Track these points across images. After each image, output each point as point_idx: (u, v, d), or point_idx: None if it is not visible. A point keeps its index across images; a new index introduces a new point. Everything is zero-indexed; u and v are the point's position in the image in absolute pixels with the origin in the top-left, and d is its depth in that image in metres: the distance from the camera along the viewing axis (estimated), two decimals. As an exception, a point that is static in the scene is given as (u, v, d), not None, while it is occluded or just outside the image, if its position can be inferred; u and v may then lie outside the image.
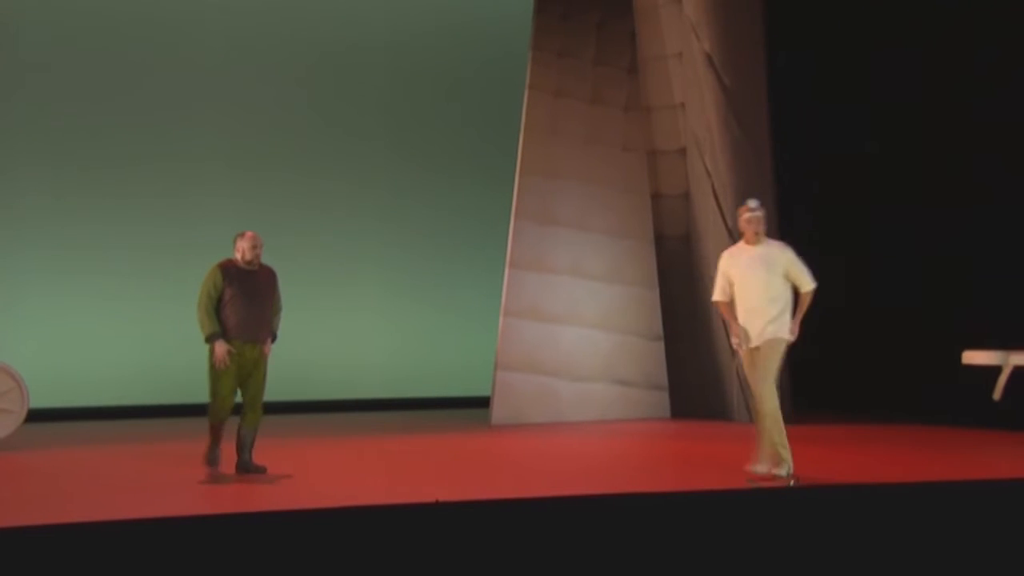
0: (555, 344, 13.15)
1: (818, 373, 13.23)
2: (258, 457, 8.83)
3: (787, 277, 8.43)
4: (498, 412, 12.82)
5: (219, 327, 8.60)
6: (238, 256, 8.82)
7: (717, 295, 8.58)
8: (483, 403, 13.28)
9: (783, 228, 13.11)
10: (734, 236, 13.02)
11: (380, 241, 14.81)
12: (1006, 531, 7.04)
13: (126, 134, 13.68)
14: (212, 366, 8.65)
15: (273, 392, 9.00)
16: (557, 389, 13.13)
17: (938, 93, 12.77)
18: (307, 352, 13.65)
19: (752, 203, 8.59)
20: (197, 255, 13.68)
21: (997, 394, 10.92)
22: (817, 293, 8.45)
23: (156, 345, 13.51)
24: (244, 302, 8.67)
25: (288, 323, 9.25)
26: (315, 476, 8.77)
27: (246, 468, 8.77)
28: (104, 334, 13.39)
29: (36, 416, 11.28)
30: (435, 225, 15.06)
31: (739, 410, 12.99)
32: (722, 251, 12.92)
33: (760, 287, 8.36)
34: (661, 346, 13.73)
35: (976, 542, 6.92)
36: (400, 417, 13.73)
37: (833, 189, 13.77)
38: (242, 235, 8.89)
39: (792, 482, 7.91)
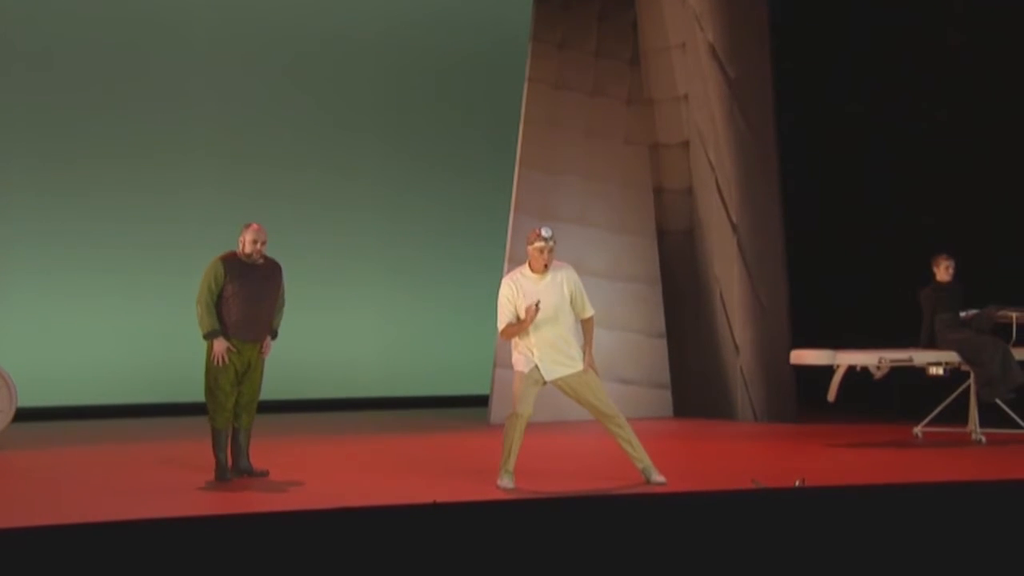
0: (555, 342, 13.11)
1: (824, 372, 13.19)
2: (252, 457, 8.73)
3: (571, 301, 8.30)
4: (497, 411, 12.78)
5: (219, 324, 8.35)
6: (239, 249, 8.52)
7: (504, 324, 8.23)
8: (482, 402, 13.25)
9: (788, 224, 13.13)
10: (738, 231, 13.00)
11: (375, 237, 14.77)
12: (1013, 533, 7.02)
13: (112, 128, 13.60)
14: (210, 366, 8.40)
15: (266, 391, 8.91)
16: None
17: (949, 88, 12.74)
18: (301, 350, 13.59)
19: (545, 232, 8.23)
20: (187, 251, 13.69)
21: (831, 396, 10.83)
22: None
23: (146, 343, 13.47)
24: (245, 299, 8.38)
25: (282, 320, 9.15)
26: (309, 477, 8.74)
27: (247, 472, 8.57)
28: (93, 332, 13.34)
29: (24, 415, 11.25)
30: (432, 220, 15.02)
31: (743, 409, 12.97)
32: (726, 246, 13.05)
33: (559, 319, 8.22)
34: (664, 343, 13.70)
35: (988, 545, 6.89)
36: (396, 416, 13.72)
37: (840, 184, 13.73)
38: (247, 226, 8.54)
39: (799, 483, 7.88)
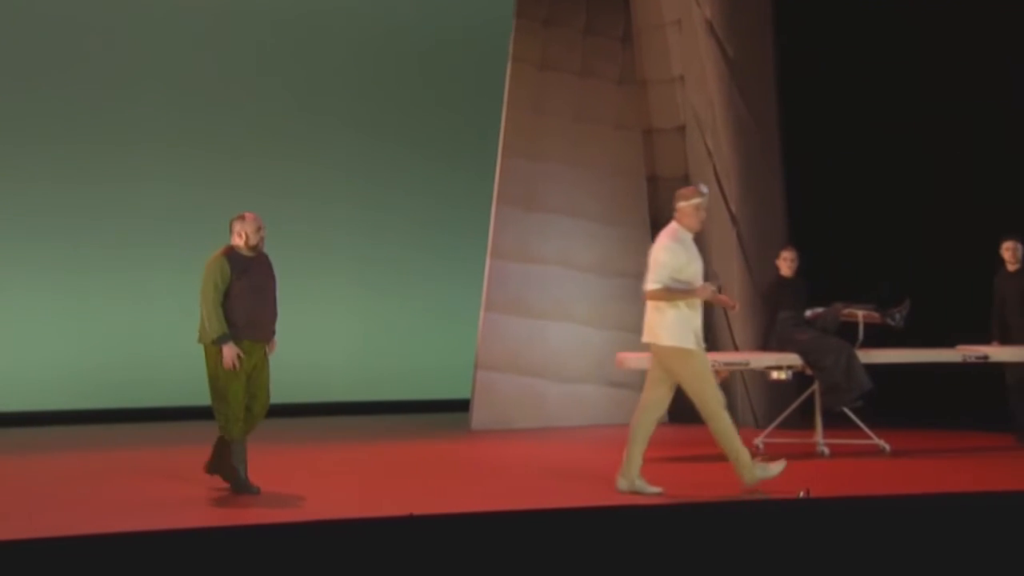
0: (541, 342, 13.12)
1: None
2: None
3: None
4: (479, 416, 12.79)
5: (227, 327, 8.26)
6: (239, 242, 8.43)
7: (663, 282, 8.32)
8: (462, 406, 13.24)
9: (791, 216, 13.14)
10: (738, 223, 13.02)
11: (349, 229, 14.71)
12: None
13: (59, 114, 13.48)
14: (219, 372, 8.30)
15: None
16: (543, 391, 13.10)
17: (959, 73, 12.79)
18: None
19: (704, 188, 8.46)
20: (142, 248, 13.67)
21: None
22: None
23: (96, 344, 13.38)
24: (252, 296, 8.35)
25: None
26: (279, 487, 8.71)
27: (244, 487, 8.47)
28: (39, 333, 13.26)
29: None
30: (409, 211, 14.95)
31: (743, 414, 12.96)
32: (725, 239, 13.05)
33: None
34: (658, 344, 13.68)
35: (995, 558, 6.92)
36: (371, 422, 13.69)
37: (846, 172, 13.74)
38: (242, 218, 8.50)
39: (802, 494, 7.90)
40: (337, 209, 14.63)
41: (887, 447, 10.45)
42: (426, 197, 14.98)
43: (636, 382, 13.26)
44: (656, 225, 13.82)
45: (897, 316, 10.50)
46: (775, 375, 10.64)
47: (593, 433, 12.49)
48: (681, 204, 8.39)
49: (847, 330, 10.61)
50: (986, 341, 10.98)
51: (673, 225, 8.46)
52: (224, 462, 8.44)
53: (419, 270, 14.93)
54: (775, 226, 13.05)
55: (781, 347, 10.62)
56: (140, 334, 13.46)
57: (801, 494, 7.90)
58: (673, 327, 8.37)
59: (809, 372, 10.51)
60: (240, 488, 8.38)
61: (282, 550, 6.28)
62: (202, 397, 8.64)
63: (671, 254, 8.31)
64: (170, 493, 8.52)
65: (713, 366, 10.31)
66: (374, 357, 14.71)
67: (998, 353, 10.74)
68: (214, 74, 14.17)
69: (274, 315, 8.57)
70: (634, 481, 8.36)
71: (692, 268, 8.35)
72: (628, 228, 13.77)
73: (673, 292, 8.29)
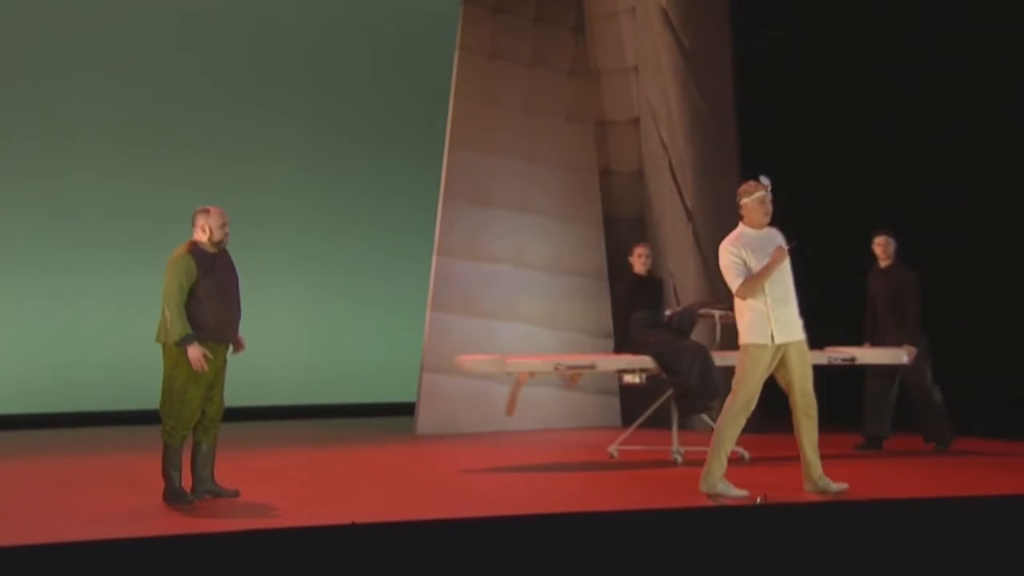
0: (490, 342, 13.07)
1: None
2: (153, 473, 8.52)
3: None
4: (424, 420, 12.75)
5: (191, 328, 8.06)
6: (203, 237, 8.29)
7: (741, 278, 8.22)
8: (408, 410, 13.21)
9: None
10: (694, 219, 13.02)
11: (291, 225, 14.67)
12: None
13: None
14: (177, 374, 8.14)
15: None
16: (492, 394, 13.05)
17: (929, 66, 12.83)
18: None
19: (765, 180, 8.39)
20: (76, 249, 13.56)
21: (509, 410, 10.50)
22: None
23: (37, 347, 13.32)
24: (220, 295, 8.21)
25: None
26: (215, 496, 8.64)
27: (213, 492, 8.38)
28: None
29: None
30: (354, 207, 14.92)
31: (696, 418, 12.95)
32: (680, 235, 13.05)
33: (787, 275, 8.38)
34: (611, 344, 13.65)
35: (976, 563, 6.94)
36: (313, 426, 13.69)
37: (805, 167, 13.77)
38: (206, 211, 8.34)
39: (760, 500, 7.89)
40: (278, 204, 14.58)
41: (746, 455, 10.19)
42: (371, 192, 14.95)
43: (587, 386, 13.29)
44: (609, 221, 13.86)
45: None
46: (628, 379, 10.41)
47: (543, 437, 12.48)
48: (744, 200, 8.39)
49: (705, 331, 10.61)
50: (858, 342, 10.95)
51: (737, 229, 8.43)
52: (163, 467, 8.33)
53: (363, 268, 14.91)
54: (732, 221, 13.03)
55: (635, 349, 10.39)
56: (83, 336, 13.44)
57: (759, 500, 7.90)
58: (750, 326, 8.31)
59: (664, 375, 10.30)
60: (173, 496, 8.27)
61: (220, 560, 6.23)
62: (148, 401, 8.53)
63: (730, 254, 8.31)
64: (108, 502, 8.43)
65: (557, 368, 10.25)
66: (316, 358, 14.67)
67: (865, 355, 10.66)
68: (150, 65, 14.15)
69: (239, 315, 8.43)
70: (817, 483, 8.39)
71: (752, 261, 8.30)
72: (580, 224, 13.78)
73: (756, 278, 8.25)
